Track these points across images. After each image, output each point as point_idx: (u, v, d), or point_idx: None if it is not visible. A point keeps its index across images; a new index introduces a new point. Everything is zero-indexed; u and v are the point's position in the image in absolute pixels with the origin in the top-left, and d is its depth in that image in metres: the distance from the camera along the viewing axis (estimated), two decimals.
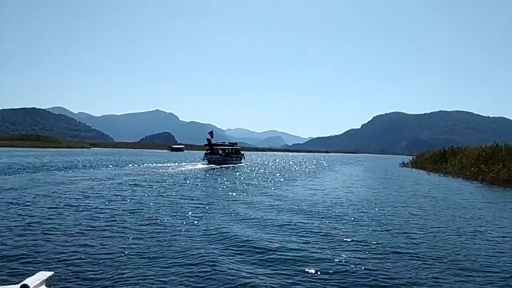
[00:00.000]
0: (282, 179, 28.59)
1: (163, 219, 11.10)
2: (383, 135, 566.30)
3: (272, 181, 26.27)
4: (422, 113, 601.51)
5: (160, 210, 12.82)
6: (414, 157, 66.02)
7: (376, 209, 14.16)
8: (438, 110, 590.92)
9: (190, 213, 12.37)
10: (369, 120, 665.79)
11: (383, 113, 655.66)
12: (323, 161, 79.10)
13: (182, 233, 9.46)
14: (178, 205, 13.93)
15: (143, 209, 12.87)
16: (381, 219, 12.06)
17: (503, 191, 21.53)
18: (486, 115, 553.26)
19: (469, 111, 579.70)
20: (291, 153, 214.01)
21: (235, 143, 60.05)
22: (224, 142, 59.74)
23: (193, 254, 7.57)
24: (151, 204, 14.00)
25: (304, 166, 54.03)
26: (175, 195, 16.77)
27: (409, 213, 13.46)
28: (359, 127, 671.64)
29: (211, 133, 50.79)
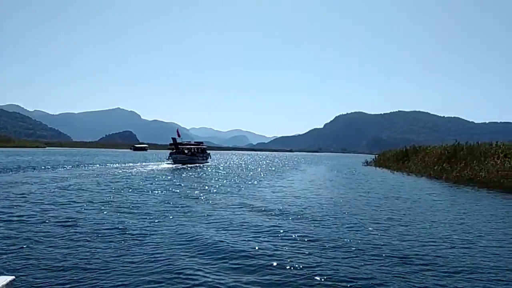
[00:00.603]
0: (250, 179, 27.93)
1: (126, 223, 10.37)
2: (344, 134, 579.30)
3: (240, 181, 25.61)
4: (382, 113, 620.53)
5: (123, 213, 11.96)
6: (376, 156, 66.98)
7: (345, 209, 13.77)
8: (397, 110, 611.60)
9: (155, 215, 11.72)
10: (332, 119, 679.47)
11: (345, 113, 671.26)
12: (288, 160, 78.85)
13: (147, 236, 8.98)
14: (142, 207, 13.15)
15: (104, 212, 11.89)
16: (350, 219, 11.80)
17: (472, 191, 21.38)
18: (442, 115, 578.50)
19: (426, 111, 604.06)
20: (256, 152, 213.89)
21: (201, 142, 58.94)
22: (190, 141, 58.93)
23: (158, 259, 7.25)
24: (113, 207, 13.00)
25: (270, 165, 53.25)
26: (139, 197, 15.82)
27: (379, 213, 13.17)
28: (322, 126, 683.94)
29: (177, 132, 49.81)
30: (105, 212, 11.92)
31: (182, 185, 21.48)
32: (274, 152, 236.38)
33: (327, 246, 8.45)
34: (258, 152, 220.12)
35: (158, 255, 7.47)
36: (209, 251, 7.85)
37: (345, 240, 9.01)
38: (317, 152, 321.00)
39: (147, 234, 9.20)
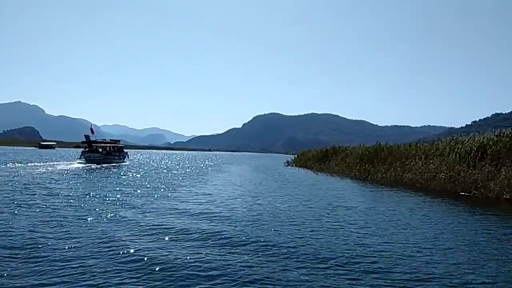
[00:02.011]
0: (172, 180, 25.81)
1: (35, 231, 9.17)
2: (262, 134, 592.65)
3: (162, 183, 23.90)
4: (297, 114, 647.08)
5: (30, 220, 10.43)
6: (296, 156, 67.73)
7: (277, 214, 12.95)
8: (311, 113, 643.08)
9: (67, 220, 10.63)
10: (250, 119, 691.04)
11: (263, 113, 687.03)
12: (209, 160, 76.29)
13: (59, 243, 8.13)
14: (52, 212, 11.71)
15: (5, 221, 10.13)
16: (282, 224, 11.27)
17: (399, 193, 20.98)
18: (350, 118, 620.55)
19: (336, 114, 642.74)
20: (174, 152, 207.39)
21: (118, 141, 55.59)
22: (105, 139, 56.15)
23: (73, 268, 6.65)
24: (17, 214, 11.27)
25: (192, 166, 50.31)
26: (48, 201, 14.05)
27: (308, 216, 12.74)
28: (241, 126, 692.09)
29: (91, 129, 47.48)
30: (6, 221, 10.17)
31: (98, 187, 19.68)
32: (193, 152, 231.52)
33: (260, 251, 8.16)
34: (177, 152, 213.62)
35: (72, 267, 6.67)
36: (126, 260, 7.21)
37: (288, 246, 8.60)
38: (236, 151, 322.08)
39: (60, 243, 8.19)
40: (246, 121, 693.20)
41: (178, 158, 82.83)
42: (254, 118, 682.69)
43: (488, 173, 19.54)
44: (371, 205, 15.62)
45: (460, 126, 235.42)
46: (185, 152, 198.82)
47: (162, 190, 19.52)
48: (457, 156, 23.36)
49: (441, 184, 22.37)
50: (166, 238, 9.01)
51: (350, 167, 35.46)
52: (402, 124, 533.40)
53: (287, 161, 61.46)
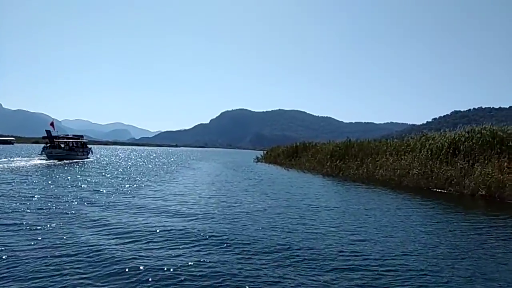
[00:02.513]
0: (138, 178, 24.56)
1: None
2: (230, 130, 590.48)
3: (128, 180, 22.80)
4: (265, 110, 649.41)
5: None
6: (265, 152, 67.23)
7: (255, 213, 12.39)
8: (278, 109, 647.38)
9: (30, 221, 9.92)
10: (218, 115, 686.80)
11: (231, 109, 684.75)
12: (176, 156, 74.33)
13: (21, 248, 7.50)
14: (13, 212, 11.06)
15: None
16: (260, 223, 10.84)
17: (370, 190, 20.69)
18: (317, 115, 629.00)
19: (303, 110, 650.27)
20: (139, 147, 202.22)
21: (81, 136, 53.60)
22: (67, 135, 54.28)
23: (38, 271, 6.20)
24: None
25: (158, 162, 48.60)
26: (6, 201, 12.96)
27: (289, 215, 12.25)
28: (208, 122, 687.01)
29: (52, 124, 45.57)
30: None
31: (62, 185, 18.56)
32: (160, 148, 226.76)
33: (240, 250, 7.93)
34: (142, 147, 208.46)
35: (38, 272, 6.23)
36: (94, 262, 6.85)
37: (267, 245, 8.42)
38: (203, 147, 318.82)
39: (22, 247, 7.54)
40: (214, 117, 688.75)
41: (144, 154, 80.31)
42: (222, 113, 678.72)
43: (461, 170, 19.57)
44: (346, 203, 15.10)
45: (421, 123, 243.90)
46: (151, 148, 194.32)
47: (129, 188, 18.55)
48: (429, 152, 23.40)
49: (414, 181, 22.30)
50: (135, 238, 8.58)
51: (321, 164, 35.13)
52: (366, 121, 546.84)
53: (257, 157, 60.78)
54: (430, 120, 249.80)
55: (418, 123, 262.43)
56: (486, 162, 19.05)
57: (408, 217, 12.44)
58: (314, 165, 36.62)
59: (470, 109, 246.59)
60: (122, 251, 7.55)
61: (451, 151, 21.96)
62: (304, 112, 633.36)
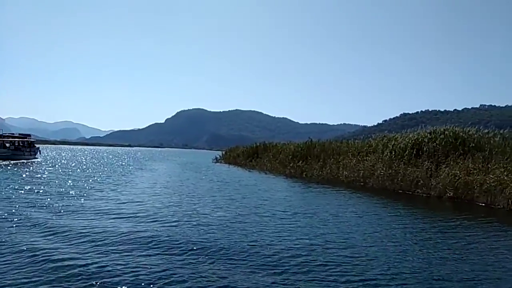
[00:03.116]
0: (91, 179, 22.83)
1: None
2: (186, 130, 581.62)
3: (78, 181, 21.33)
4: (221, 110, 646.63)
5: None
6: (224, 152, 66.00)
7: (228, 220, 11.37)
8: (235, 109, 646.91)
9: None
10: (173, 114, 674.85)
11: (187, 108, 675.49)
12: (130, 157, 71.11)
13: None
14: None
15: None
16: (231, 229, 10.15)
17: (339, 192, 20.22)
18: (273, 115, 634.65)
19: (259, 111, 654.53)
20: (89, 147, 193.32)
21: (28, 135, 51.15)
22: (13, 133, 52.35)
23: None
24: None
25: (110, 162, 45.91)
26: None
27: (264, 222, 11.37)
28: (163, 121, 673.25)
29: None
30: None
31: (7, 187, 17.26)
32: (112, 147, 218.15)
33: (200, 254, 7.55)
34: (93, 147, 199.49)
35: None
36: (46, 268, 6.43)
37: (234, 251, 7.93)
38: (158, 147, 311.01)
39: None
40: (169, 116, 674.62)
41: (95, 155, 76.28)
42: (177, 113, 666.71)
43: (427, 171, 19.54)
44: (313, 206, 14.43)
45: (372, 125, 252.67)
46: (103, 148, 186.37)
47: (80, 191, 16.92)
48: (393, 153, 23.36)
49: (380, 182, 22.13)
50: (89, 243, 8.06)
51: (283, 164, 34.52)
52: (321, 122, 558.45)
53: (215, 158, 59.44)
54: (380, 122, 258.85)
55: (370, 124, 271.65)
56: (451, 163, 19.14)
57: (375, 220, 12.13)
58: (276, 166, 35.94)
59: (418, 112, 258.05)
60: (71, 255, 7.16)
61: (414, 152, 22.02)
62: (261, 113, 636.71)
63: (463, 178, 16.95)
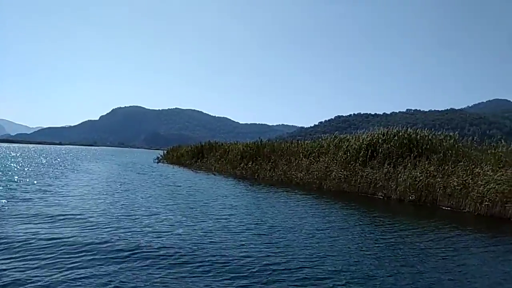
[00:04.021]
0: (17, 181, 19.13)
1: None
2: (122, 128, 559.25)
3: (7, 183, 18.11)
4: (161, 108, 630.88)
5: None
6: (165, 152, 63.18)
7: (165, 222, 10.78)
8: (175, 107, 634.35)
9: None
10: (108, 112, 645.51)
11: (123, 105, 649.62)
12: (60, 156, 65.34)
13: None
14: None
15: None
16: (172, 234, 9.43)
17: (295, 194, 19.29)
18: (213, 115, 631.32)
19: (200, 110, 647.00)
20: (15, 145, 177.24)
21: None
22: None
23: None
24: None
25: (40, 162, 41.40)
26: None
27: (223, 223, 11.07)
28: (98, 118, 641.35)
29: None
30: None
31: None
32: (40, 145, 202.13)
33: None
34: (18, 145, 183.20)
35: None
36: None
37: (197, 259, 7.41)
38: (92, 146, 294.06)
39: None
40: (104, 113, 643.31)
41: (23, 153, 69.30)
42: (113, 110, 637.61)
43: (387, 173, 19.26)
44: (269, 210, 13.27)
45: (309, 126, 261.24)
46: (30, 146, 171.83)
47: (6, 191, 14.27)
48: (347, 154, 23.03)
49: (336, 184, 21.63)
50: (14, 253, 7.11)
51: (233, 165, 33.19)
52: (260, 122, 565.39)
53: (157, 158, 56.52)
54: (317, 123, 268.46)
55: (307, 125, 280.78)
56: (408, 165, 19.04)
57: (332, 224, 11.59)
58: (225, 167, 34.49)
59: (351, 114, 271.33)
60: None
61: (369, 154, 21.81)
62: (201, 112, 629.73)
63: (424, 181, 16.78)
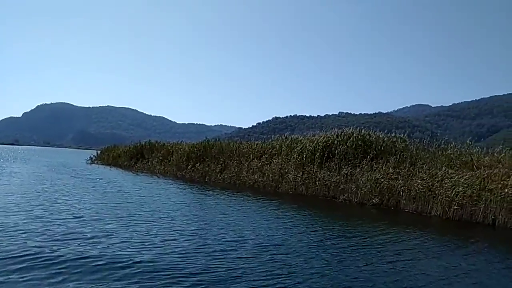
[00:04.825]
0: None
1: None
2: (48, 126, 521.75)
3: None
4: (91, 106, 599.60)
5: None
6: (99, 152, 59.02)
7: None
8: (107, 105, 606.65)
9: None
10: (32, 108, 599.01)
11: (49, 102, 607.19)
12: None
13: None
14: None
15: None
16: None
17: (250, 198, 18.16)
18: (149, 114, 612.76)
19: (134, 108, 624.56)
20: None
21: None
22: None
23: None
24: None
25: None
26: None
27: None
28: (20, 115, 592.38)
29: None
30: None
31: None
32: None
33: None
34: None
35: None
36: None
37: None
38: (13, 144, 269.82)
39: None
40: (28, 110, 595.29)
41: None
42: (38, 106, 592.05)
43: (346, 176, 18.83)
44: (222, 216, 12.04)
45: (247, 126, 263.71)
46: None
47: None
48: (302, 156, 22.43)
49: (293, 187, 20.89)
50: None
51: (179, 167, 31.28)
52: (198, 122, 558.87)
53: (91, 158, 52.39)
54: (255, 124, 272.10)
55: (245, 126, 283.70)
56: (365, 167, 18.80)
57: (290, 228, 11.04)
58: (170, 169, 32.42)
59: (287, 116, 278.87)
60: None
61: (326, 155, 21.37)
62: (136, 110, 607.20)
63: (386, 183, 16.52)
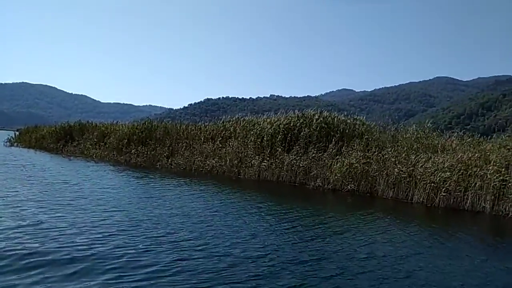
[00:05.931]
0: None
1: None
2: None
3: None
4: (3, 82, 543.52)
5: None
6: (18, 133, 52.75)
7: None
8: (21, 81, 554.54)
9: None
10: None
11: None
12: None
13: None
14: None
15: None
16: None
17: (213, 187, 16.54)
18: (70, 92, 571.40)
19: (53, 85, 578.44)
20: None
21: None
22: None
23: None
24: None
25: None
26: None
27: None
28: None
29: None
30: None
31: None
32: None
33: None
34: None
35: None
36: None
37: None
38: None
39: None
40: None
41: None
42: None
43: (316, 160, 17.83)
44: (183, 206, 10.59)
45: (178, 108, 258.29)
46: None
47: None
48: (262, 139, 21.10)
49: (257, 173, 19.55)
50: None
51: (119, 151, 28.32)
52: (125, 102, 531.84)
53: (9, 140, 46.44)
54: (186, 105, 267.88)
55: (176, 107, 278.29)
56: (333, 151, 18.01)
57: (259, 219, 10.32)
58: (108, 153, 29.24)
59: (220, 98, 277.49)
60: None
61: (289, 139, 20.28)
62: (55, 88, 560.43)
63: (361, 169, 15.79)
